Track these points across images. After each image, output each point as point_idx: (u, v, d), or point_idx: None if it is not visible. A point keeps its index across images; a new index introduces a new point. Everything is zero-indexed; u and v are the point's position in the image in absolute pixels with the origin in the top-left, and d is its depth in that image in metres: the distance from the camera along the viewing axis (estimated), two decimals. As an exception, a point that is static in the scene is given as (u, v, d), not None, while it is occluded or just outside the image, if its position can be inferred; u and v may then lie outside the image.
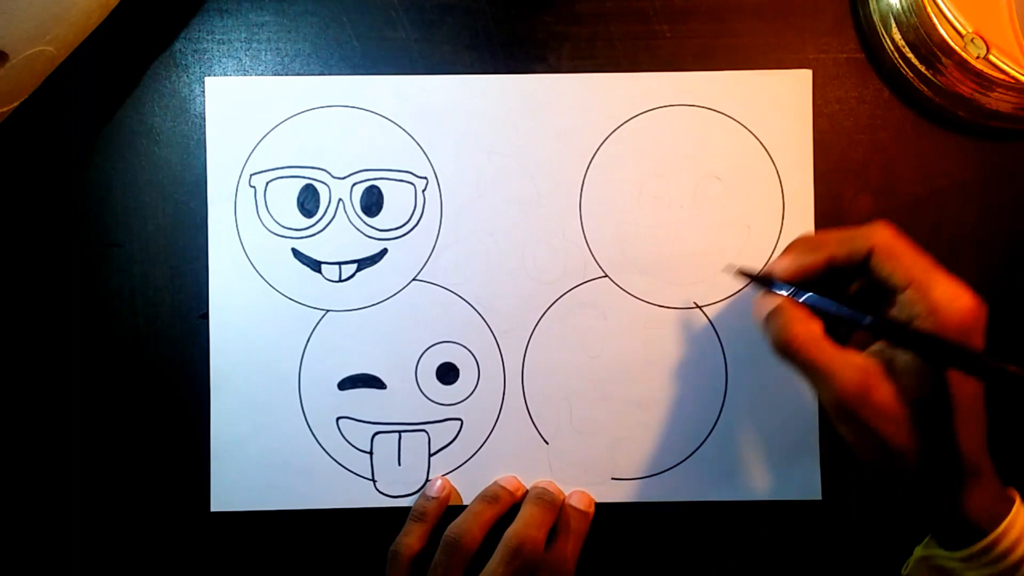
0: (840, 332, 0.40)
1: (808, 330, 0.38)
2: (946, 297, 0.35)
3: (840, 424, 0.38)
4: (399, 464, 0.49)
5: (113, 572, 0.49)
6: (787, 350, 0.38)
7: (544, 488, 0.48)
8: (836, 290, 0.40)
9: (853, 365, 0.37)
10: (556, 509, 0.47)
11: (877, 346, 0.39)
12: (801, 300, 0.39)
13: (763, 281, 0.41)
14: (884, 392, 0.36)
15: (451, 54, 0.49)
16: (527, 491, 0.48)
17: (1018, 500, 0.39)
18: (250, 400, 0.49)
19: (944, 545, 0.39)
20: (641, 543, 0.49)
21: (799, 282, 0.40)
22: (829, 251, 0.39)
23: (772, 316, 0.39)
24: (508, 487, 0.48)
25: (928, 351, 0.35)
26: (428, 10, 0.49)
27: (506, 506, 0.47)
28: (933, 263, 0.37)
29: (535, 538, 0.45)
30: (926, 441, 0.37)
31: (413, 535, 0.46)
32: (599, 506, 0.49)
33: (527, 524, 0.46)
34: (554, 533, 0.47)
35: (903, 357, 0.37)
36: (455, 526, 0.46)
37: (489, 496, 0.48)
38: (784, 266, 0.40)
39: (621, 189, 0.49)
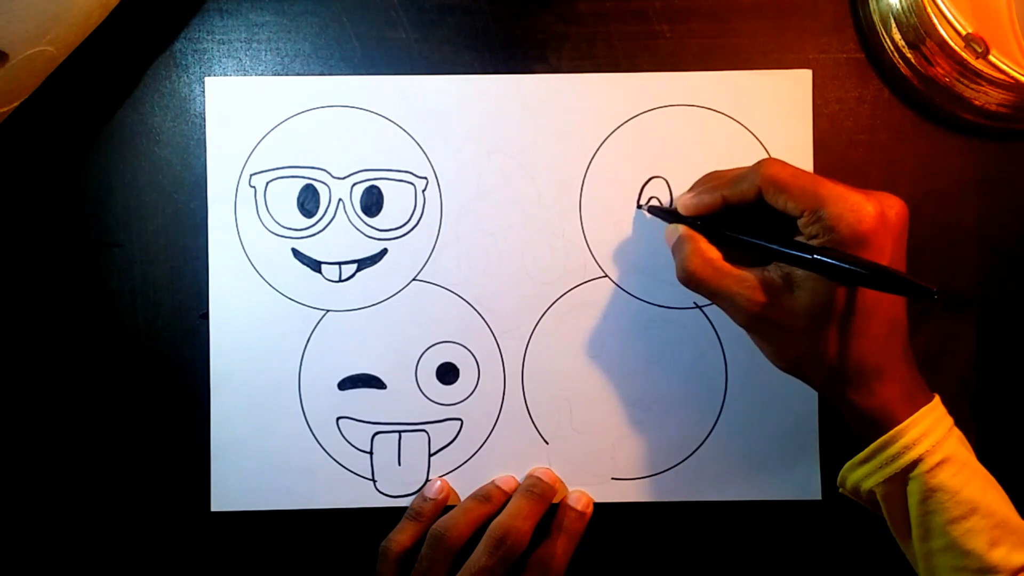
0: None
1: (704, 259, 0.42)
2: (835, 215, 0.37)
3: (751, 336, 0.42)
4: (399, 464, 0.49)
5: (113, 572, 0.49)
6: (689, 281, 0.42)
7: (537, 479, 0.48)
8: (758, 210, 0.41)
9: (751, 285, 0.40)
10: (547, 501, 0.47)
11: (776, 261, 0.41)
12: (702, 230, 0.43)
13: (672, 215, 0.45)
14: (782, 305, 0.39)
15: (451, 54, 0.49)
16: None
17: (929, 406, 0.39)
18: (250, 400, 0.49)
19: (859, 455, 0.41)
20: (641, 543, 0.49)
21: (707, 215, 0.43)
22: (721, 192, 0.42)
23: (674, 249, 0.44)
24: (503, 486, 0.48)
25: (811, 267, 0.37)
26: (428, 10, 0.49)
27: (498, 504, 0.47)
28: (823, 185, 0.38)
29: (519, 529, 0.45)
30: (824, 346, 0.39)
31: (405, 533, 0.46)
32: (599, 506, 0.49)
33: (513, 515, 0.46)
34: (548, 531, 0.47)
35: (801, 270, 0.39)
36: (442, 521, 0.46)
37: (481, 495, 0.48)
38: (684, 202, 0.44)
39: (621, 189, 0.49)
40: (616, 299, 0.49)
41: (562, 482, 0.49)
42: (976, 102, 0.46)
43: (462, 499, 0.48)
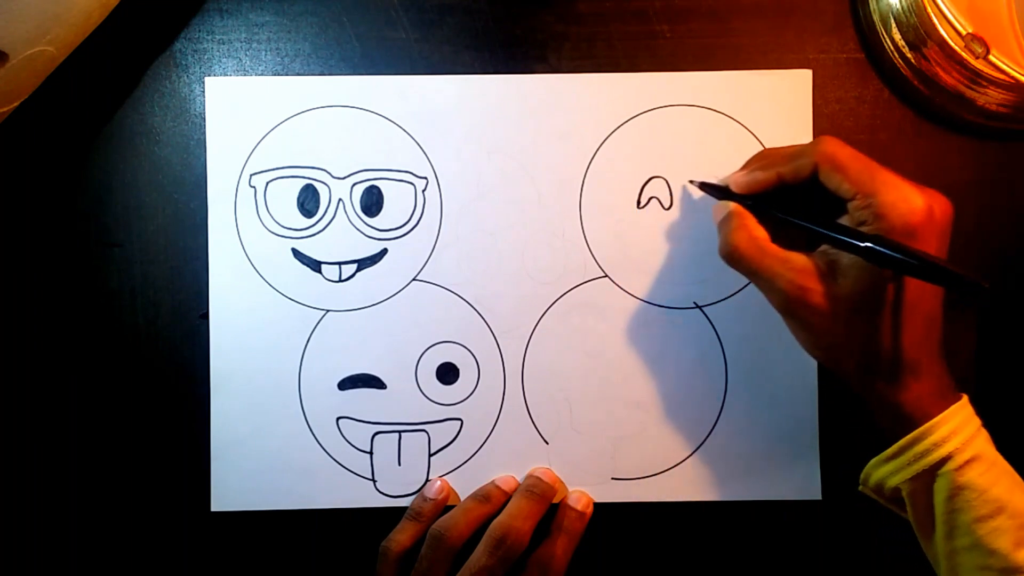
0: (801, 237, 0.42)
1: (750, 237, 0.41)
2: (888, 203, 0.37)
3: (787, 321, 0.42)
4: (399, 464, 0.49)
5: (113, 572, 0.49)
6: (731, 257, 0.42)
7: (537, 479, 0.48)
8: (806, 195, 0.41)
9: (794, 267, 0.40)
10: (547, 501, 0.47)
11: (823, 247, 0.40)
12: (753, 210, 0.43)
13: (722, 192, 0.45)
14: (824, 291, 0.39)
15: (451, 54, 0.49)
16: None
17: (959, 404, 0.39)
18: (250, 400, 0.49)
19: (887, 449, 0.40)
20: (641, 543, 0.49)
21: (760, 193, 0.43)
22: (777, 169, 0.41)
23: (721, 225, 0.43)
24: (502, 486, 0.48)
25: (863, 254, 0.37)
26: (428, 10, 0.49)
27: (498, 504, 0.47)
28: (879, 171, 0.38)
29: (519, 529, 0.45)
30: (863, 336, 0.39)
31: (405, 533, 0.46)
32: (599, 506, 0.49)
33: (512, 516, 0.46)
34: (548, 531, 0.47)
35: (847, 257, 0.38)
36: (442, 521, 0.46)
37: (481, 495, 0.48)
38: (736, 180, 0.44)
39: (621, 189, 0.49)
40: (616, 299, 0.49)
41: (562, 482, 0.49)
42: (977, 102, 0.46)
43: (462, 499, 0.48)
